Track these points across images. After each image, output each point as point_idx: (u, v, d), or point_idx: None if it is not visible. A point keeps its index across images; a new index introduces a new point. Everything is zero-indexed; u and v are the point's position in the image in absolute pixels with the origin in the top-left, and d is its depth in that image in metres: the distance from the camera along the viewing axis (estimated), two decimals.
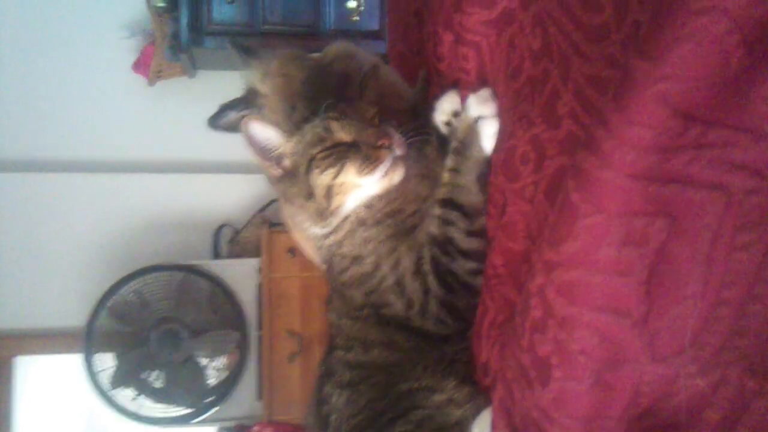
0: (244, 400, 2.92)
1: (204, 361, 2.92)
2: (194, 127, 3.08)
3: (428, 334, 1.18)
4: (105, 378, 2.86)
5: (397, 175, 1.21)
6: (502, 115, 1.11)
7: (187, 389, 2.91)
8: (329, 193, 1.22)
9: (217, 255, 3.08)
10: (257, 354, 2.93)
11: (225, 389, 2.92)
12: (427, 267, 1.17)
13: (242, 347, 2.93)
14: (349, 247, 1.25)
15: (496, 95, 1.13)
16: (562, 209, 0.80)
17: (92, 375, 2.86)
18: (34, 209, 3.08)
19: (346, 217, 1.25)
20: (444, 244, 1.15)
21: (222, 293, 2.95)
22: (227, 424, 2.95)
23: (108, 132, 3.22)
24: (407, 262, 1.19)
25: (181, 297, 2.92)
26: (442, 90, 1.30)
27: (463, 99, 1.20)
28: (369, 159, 1.19)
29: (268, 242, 2.85)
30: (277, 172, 1.28)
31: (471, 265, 1.15)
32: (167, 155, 3.24)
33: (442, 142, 1.26)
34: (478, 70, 1.20)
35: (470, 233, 1.16)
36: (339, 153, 1.21)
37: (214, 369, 2.94)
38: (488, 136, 1.14)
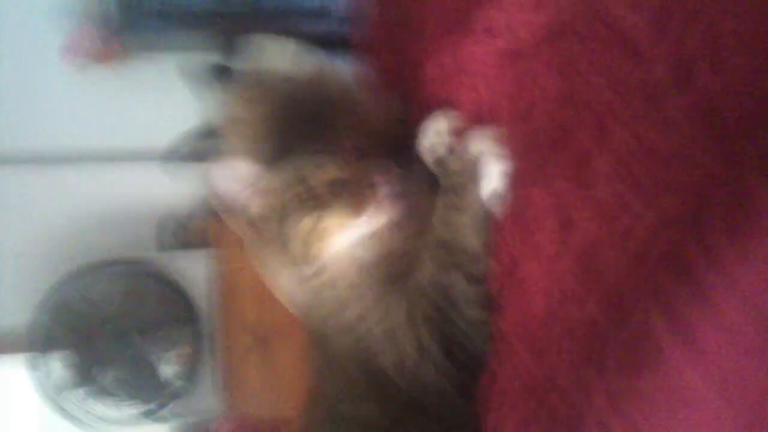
0: (202, 396, 2.87)
1: (156, 358, 2.85)
2: (130, 115, 3.03)
3: (426, 390, 1.09)
4: (51, 381, 2.75)
5: (392, 213, 1.13)
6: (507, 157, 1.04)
7: (139, 387, 2.84)
8: (307, 241, 1.13)
9: (162, 247, 2.95)
10: (212, 348, 2.85)
11: (180, 386, 2.86)
12: (420, 317, 1.08)
13: (196, 342, 2.86)
14: (334, 292, 1.16)
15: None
16: (641, 339, 0.68)
17: (37, 377, 2.74)
18: None
19: (330, 260, 1.15)
20: (442, 291, 1.07)
21: (171, 287, 2.86)
22: (185, 421, 2.87)
23: (39, 122, 3.03)
24: (398, 312, 1.10)
25: (128, 293, 2.83)
26: (427, 114, 1.22)
27: (457, 129, 1.14)
28: (357, 198, 1.10)
29: (217, 233, 2.73)
30: (242, 228, 1.17)
31: (474, 313, 1.08)
32: (104, 145, 3.06)
33: (429, 170, 1.19)
34: (475, 103, 1.13)
35: (472, 278, 1.08)
36: (318, 196, 1.10)
37: (167, 365, 2.86)
38: (492, 177, 1.06)
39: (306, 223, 1.10)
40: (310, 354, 1.25)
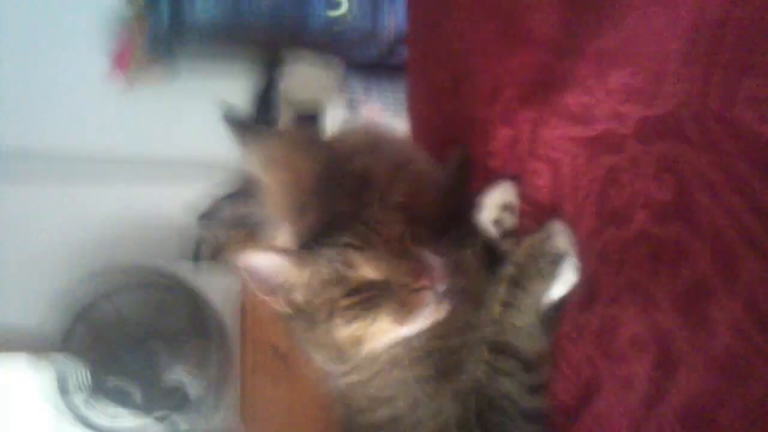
0: (219, 411, 2.78)
1: (174, 368, 2.74)
2: (176, 126, 2.96)
3: None
4: (65, 382, 2.68)
5: (441, 313, 0.98)
6: (586, 261, 0.91)
7: (155, 397, 2.73)
8: (356, 342, 0.99)
9: (196, 259, 2.86)
10: (232, 363, 2.77)
11: (197, 398, 2.76)
12: (474, 422, 0.98)
13: (216, 355, 2.75)
14: (378, 389, 1.04)
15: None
16: None
17: (50, 377, 2.68)
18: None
19: (376, 357, 1.03)
20: (497, 401, 0.96)
21: (195, 299, 2.76)
22: None
23: (78, 126, 3.00)
24: (451, 412, 0.99)
25: (150, 301, 2.76)
26: (491, 184, 1.10)
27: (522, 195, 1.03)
28: (406, 305, 0.95)
29: (243, 249, 2.63)
30: (284, 309, 1.02)
31: (533, 428, 0.97)
32: (139, 153, 3.02)
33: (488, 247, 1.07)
34: (550, 190, 1.00)
35: (531, 389, 0.97)
36: (367, 300, 0.96)
37: (184, 376, 2.76)
38: (567, 280, 0.95)
39: (357, 326, 0.97)
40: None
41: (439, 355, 1.02)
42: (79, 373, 2.69)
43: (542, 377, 0.98)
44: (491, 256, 1.07)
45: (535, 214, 1.04)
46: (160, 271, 2.76)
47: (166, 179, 3.00)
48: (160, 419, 2.73)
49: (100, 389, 2.70)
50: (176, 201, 2.95)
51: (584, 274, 0.93)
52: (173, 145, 2.97)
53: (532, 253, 0.98)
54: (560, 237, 0.96)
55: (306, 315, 1.00)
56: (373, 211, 1.01)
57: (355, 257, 0.95)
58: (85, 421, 2.70)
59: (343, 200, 1.06)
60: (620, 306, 0.83)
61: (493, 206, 1.10)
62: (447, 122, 1.37)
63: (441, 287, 0.96)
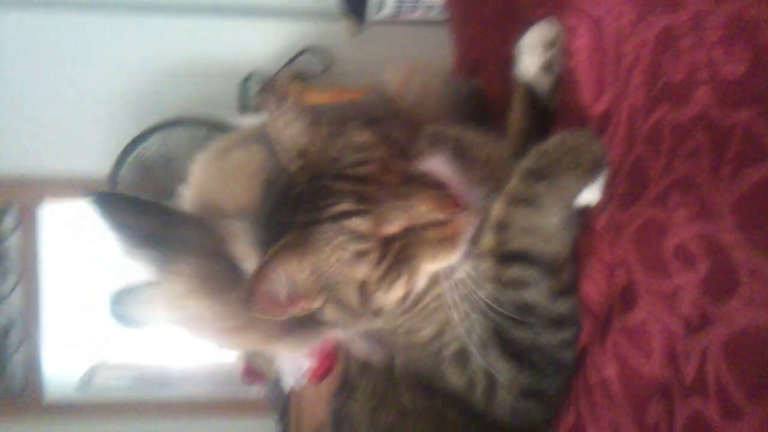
0: None
1: None
2: None
3: (497, 423, 0.89)
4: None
5: (477, 219, 0.85)
6: (631, 145, 0.74)
7: None
8: (404, 299, 0.85)
9: (244, 108, 2.74)
10: None
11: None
12: (491, 342, 0.86)
13: None
14: (411, 319, 0.91)
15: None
16: None
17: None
18: (59, 53, 2.81)
19: (416, 297, 0.89)
20: (521, 314, 0.83)
21: None
22: None
23: None
24: (475, 331, 0.86)
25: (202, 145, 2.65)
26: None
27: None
28: (445, 240, 0.82)
29: (297, 98, 2.48)
30: (310, 307, 0.86)
31: (565, 335, 0.85)
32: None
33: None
34: (591, 57, 0.81)
35: (559, 292, 0.83)
36: (396, 256, 0.81)
37: None
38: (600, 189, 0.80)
39: (400, 286, 0.83)
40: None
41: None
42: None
43: (569, 277, 0.84)
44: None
45: (566, 90, 0.86)
46: (214, 121, 2.66)
47: (219, 24, 2.85)
48: None
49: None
50: (227, 48, 2.86)
51: (628, 160, 0.75)
52: None
53: (574, 144, 0.81)
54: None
55: (333, 301, 0.85)
56: (344, 156, 0.84)
57: (362, 226, 0.80)
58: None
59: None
60: (668, 207, 0.67)
61: (539, 45, 0.93)
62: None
63: (469, 197, 0.83)
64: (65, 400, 3.03)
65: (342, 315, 0.86)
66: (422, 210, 0.80)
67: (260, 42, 2.78)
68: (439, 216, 0.80)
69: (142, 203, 1.09)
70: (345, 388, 1.03)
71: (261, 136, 0.97)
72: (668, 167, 0.68)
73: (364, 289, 0.82)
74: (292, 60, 2.72)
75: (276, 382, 2.29)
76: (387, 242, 0.81)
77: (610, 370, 0.75)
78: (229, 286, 0.95)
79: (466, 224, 0.82)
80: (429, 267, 0.83)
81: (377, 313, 0.85)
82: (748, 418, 0.56)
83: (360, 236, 0.80)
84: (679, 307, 0.65)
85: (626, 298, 0.73)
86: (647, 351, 0.70)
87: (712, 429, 0.60)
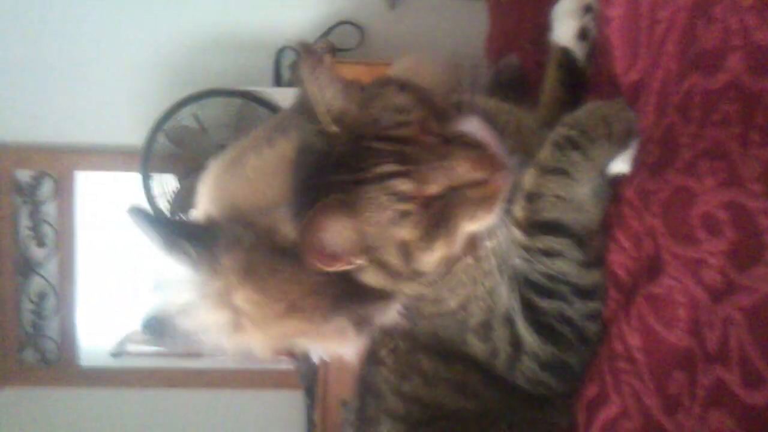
0: None
1: None
2: None
3: (519, 391, 0.90)
4: (163, 201, 2.72)
5: (510, 182, 0.85)
6: (663, 114, 0.73)
7: None
8: (446, 260, 0.85)
9: (278, 81, 2.75)
10: None
11: None
12: (517, 313, 0.86)
13: None
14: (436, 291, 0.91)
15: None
16: None
17: (149, 197, 2.72)
18: (95, 24, 2.83)
19: (452, 260, 0.89)
20: (551, 284, 0.84)
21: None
22: None
23: None
24: (500, 302, 0.87)
25: (239, 124, 2.68)
26: None
27: None
28: (484, 199, 0.82)
29: (332, 64, 2.48)
30: (351, 265, 0.84)
31: (593, 305, 0.85)
32: None
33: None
34: (625, 26, 0.80)
35: (588, 264, 0.84)
36: (437, 215, 0.81)
37: None
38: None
39: (440, 245, 0.83)
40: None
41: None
42: (161, 180, 2.73)
43: (597, 248, 0.85)
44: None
45: (600, 58, 0.85)
46: (250, 93, 2.65)
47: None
48: None
49: (190, 207, 2.74)
50: (262, 20, 2.86)
51: (659, 129, 0.75)
52: None
53: (606, 113, 0.81)
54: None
55: (375, 262, 0.84)
56: (384, 117, 0.83)
57: (406, 186, 0.79)
58: None
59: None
60: (696, 176, 0.66)
61: (575, 11, 0.93)
62: None
63: (506, 158, 0.82)
64: (99, 368, 3.08)
65: (383, 278, 0.85)
66: (462, 170, 0.79)
67: (295, 14, 2.78)
68: (479, 175, 0.80)
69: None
70: (371, 357, 1.04)
71: (268, 139, 0.97)
72: (698, 135, 0.67)
73: (405, 248, 0.82)
74: (326, 33, 2.72)
75: (305, 355, 2.30)
76: (428, 202, 0.80)
77: (635, 339, 0.75)
78: (275, 271, 0.94)
79: (504, 184, 0.82)
80: (468, 227, 0.83)
81: (418, 274, 0.84)
82: None
83: (404, 197, 0.79)
84: (704, 276, 0.65)
85: (653, 267, 0.73)
86: (672, 320, 0.70)
87: (734, 397, 0.60)
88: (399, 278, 0.85)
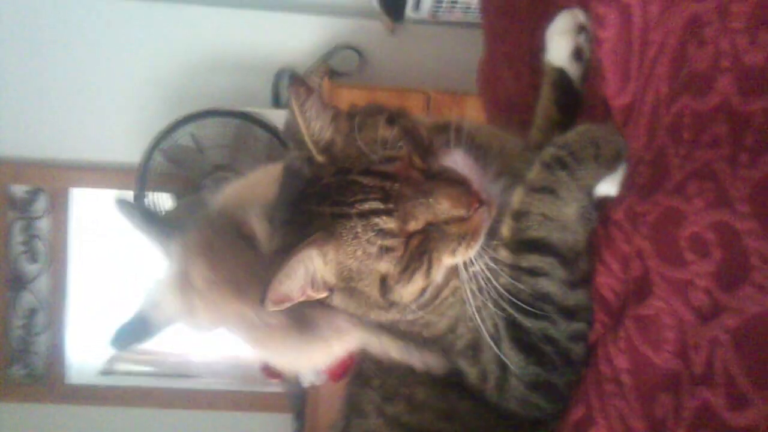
0: None
1: None
2: None
3: (511, 415, 0.90)
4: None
5: (493, 213, 0.86)
6: (653, 137, 0.74)
7: None
8: (422, 292, 0.86)
9: (276, 102, 2.76)
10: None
11: None
12: (503, 333, 0.86)
13: None
14: (428, 312, 0.92)
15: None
16: None
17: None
18: (95, 41, 2.87)
19: (434, 290, 0.90)
20: (535, 303, 0.84)
21: (279, 144, 2.68)
22: None
23: None
24: (486, 324, 0.87)
25: (237, 145, 2.71)
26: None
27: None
28: (464, 235, 0.83)
29: (329, 95, 2.50)
30: (314, 297, 0.87)
31: (577, 326, 0.85)
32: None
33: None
34: (617, 47, 0.81)
35: (573, 284, 0.84)
36: (417, 250, 0.83)
37: None
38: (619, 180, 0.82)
39: (418, 279, 0.84)
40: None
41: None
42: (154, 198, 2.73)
43: (583, 269, 0.85)
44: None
45: (592, 80, 0.86)
46: (247, 114, 2.68)
47: (250, 19, 2.87)
48: None
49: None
50: (262, 42, 2.88)
51: (650, 151, 0.75)
52: None
53: (596, 136, 0.83)
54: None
55: (344, 291, 0.86)
56: (371, 151, 0.84)
57: (390, 224, 0.80)
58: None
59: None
60: (685, 197, 0.66)
61: (568, 32, 0.94)
62: None
63: (486, 194, 0.83)
64: (87, 386, 3.06)
65: (354, 305, 0.88)
66: (443, 207, 0.80)
67: (295, 36, 2.80)
68: (459, 213, 0.81)
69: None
70: (359, 377, 1.04)
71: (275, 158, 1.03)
72: (688, 156, 0.67)
73: (385, 281, 0.83)
74: (326, 56, 2.73)
75: (295, 379, 2.30)
76: (409, 237, 0.82)
77: (623, 362, 0.75)
78: (232, 253, 0.99)
79: (485, 219, 0.83)
80: (448, 260, 0.84)
81: (394, 304, 0.86)
82: (754, 406, 0.55)
83: (387, 233, 0.80)
84: (692, 297, 0.65)
85: (641, 289, 0.73)
86: (660, 342, 0.69)
87: (719, 419, 0.60)
88: (372, 308, 0.87)
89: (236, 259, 0.99)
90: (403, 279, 0.82)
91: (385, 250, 0.81)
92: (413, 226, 0.81)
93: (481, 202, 0.82)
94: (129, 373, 3.24)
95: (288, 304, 0.83)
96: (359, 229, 0.80)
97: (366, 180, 0.81)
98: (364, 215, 0.80)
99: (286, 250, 0.80)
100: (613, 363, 0.76)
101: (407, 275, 0.82)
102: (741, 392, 0.57)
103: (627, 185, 0.79)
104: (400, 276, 0.82)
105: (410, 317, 0.90)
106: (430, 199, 0.80)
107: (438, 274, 0.86)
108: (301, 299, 0.85)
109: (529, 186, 0.84)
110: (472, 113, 2.18)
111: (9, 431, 3.02)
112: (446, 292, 0.90)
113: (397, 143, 0.83)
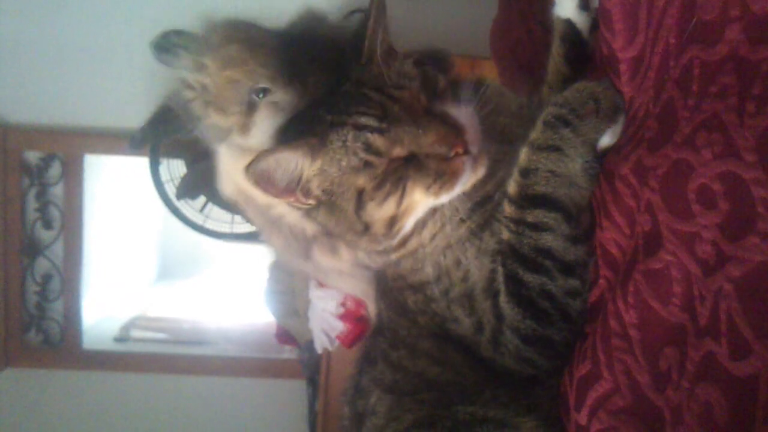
0: None
1: None
2: None
3: (505, 371, 0.91)
4: (170, 187, 2.75)
5: (480, 173, 0.92)
6: (663, 88, 0.73)
7: None
8: (392, 222, 0.93)
9: None
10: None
11: None
12: (501, 286, 0.88)
13: None
14: (414, 256, 0.98)
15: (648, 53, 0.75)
16: None
17: (157, 182, 2.73)
18: (105, 5, 2.83)
19: (415, 227, 0.96)
20: (536, 258, 0.85)
21: None
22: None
23: None
24: (477, 274, 0.91)
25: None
26: None
27: None
28: (442, 176, 0.88)
29: None
30: (305, 204, 0.96)
31: (575, 282, 0.86)
32: None
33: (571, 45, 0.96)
34: None
35: (575, 239, 0.85)
36: (395, 174, 0.89)
37: None
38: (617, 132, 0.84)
39: (391, 203, 0.90)
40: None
41: (479, 209, 0.93)
42: (169, 166, 2.75)
43: (585, 224, 0.86)
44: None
45: (600, 33, 0.85)
46: None
47: None
48: None
49: (200, 191, 2.75)
50: (280, 6, 2.85)
51: (658, 104, 0.74)
52: None
53: (593, 91, 0.84)
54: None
55: (327, 204, 0.94)
56: (384, 71, 0.92)
57: (378, 141, 0.87)
58: (187, 222, 2.77)
59: (316, 69, 1.04)
60: (694, 149, 0.66)
61: None
62: None
63: (476, 148, 0.88)
64: (102, 351, 3.09)
65: (334, 222, 0.95)
66: (429, 140, 0.87)
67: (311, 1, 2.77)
68: (441, 150, 0.86)
69: None
70: (375, 329, 1.10)
71: None
72: (697, 108, 0.66)
73: (360, 196, 0.90)
74: (342, 21, 2.71)
75: (308, 345, 2.31)
76: (392, 161, 0.88)
77: (631, 316, 0.75)
78: None
79: (466, 169, 0.87)
80: (421, 197, 0.90)
81: (367, 226, 0.92)
82: (755, 354, 0.55)
83: (373, 150, 0.87)
84: (698, 250, 0.64)
85: (650, 243, 0.72)
86: (668, 295, 0.69)
87: (722, 369, 0.60)
88: (350, 227, 0.93)
89: None
90: (377, 197, 0.89)
91: (368, 164, 0.88)
92: (398, 151, 0.88)
93: (466, 150, 0.87)
94: (143, 340, 3.28)
95: (271, 192, 0.91)
96: (349, 139, 0.88)
97: (375, 95, 0.89)
98: (358, 127, 0.87)
99: (285, 142, 0.92)
100: (622, 318, 0.76)
101: (381, 194, 0.89)
102: (744, 341, 0.57)
103: (634, 140, 0.78)
104: (374, 192, 0.89)
105: (385, 256, 0.98)
106: (420, 130, 0.87)
107: (408, 209, 0.91)
108: (290, 200, 0.94)
109: (534, 146, 0.85)
110: (489, 77, 2.17)
111: (25, 396, 3.05)
112: (425, 236, 0.95)
113: (414, 80, 0.91)
